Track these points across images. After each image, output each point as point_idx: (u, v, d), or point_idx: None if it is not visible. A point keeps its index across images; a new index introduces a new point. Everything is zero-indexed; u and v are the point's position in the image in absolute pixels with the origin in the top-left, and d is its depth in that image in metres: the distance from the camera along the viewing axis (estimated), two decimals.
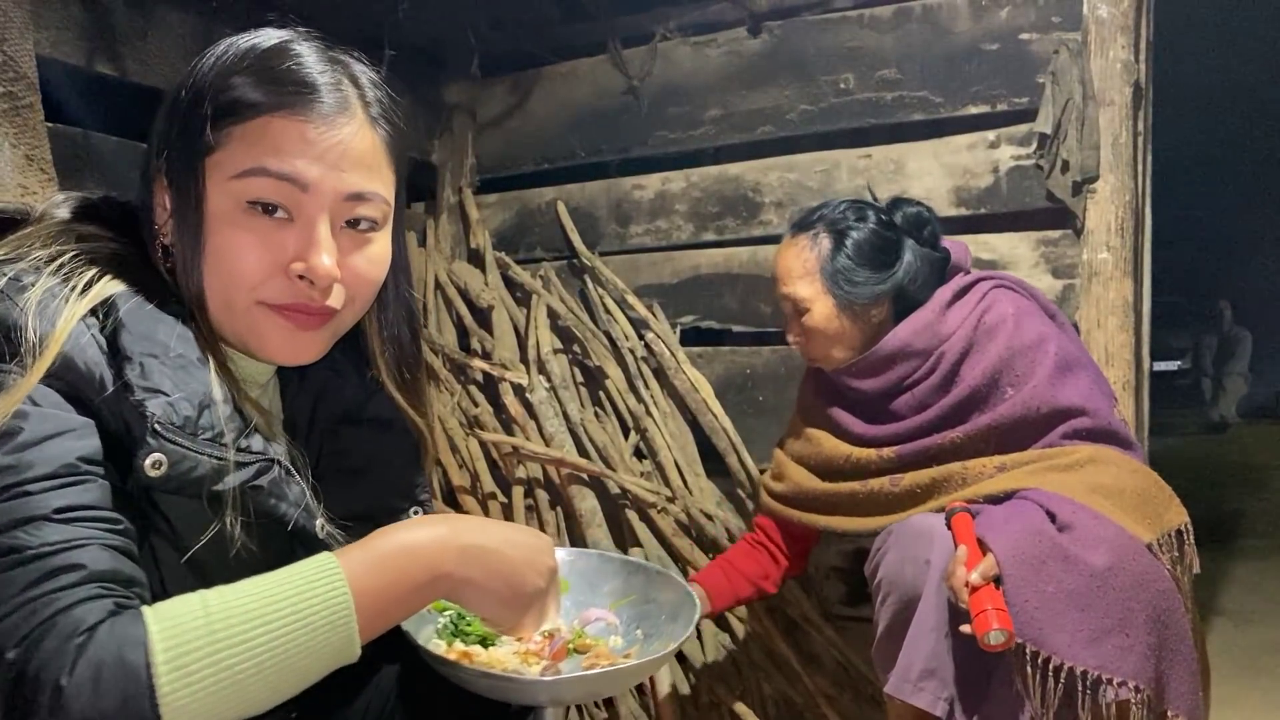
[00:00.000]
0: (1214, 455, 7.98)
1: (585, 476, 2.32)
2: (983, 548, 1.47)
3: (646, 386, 2.51)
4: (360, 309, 1.00)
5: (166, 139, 0.93)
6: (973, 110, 2.27)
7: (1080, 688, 1.38)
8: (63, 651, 0.71)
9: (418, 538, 0.89)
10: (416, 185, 2.98)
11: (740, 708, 2.12)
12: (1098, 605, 1.41)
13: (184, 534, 0.87)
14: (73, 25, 1.90)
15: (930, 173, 2.31)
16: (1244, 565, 4.24)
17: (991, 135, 2.24)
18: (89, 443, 0.80)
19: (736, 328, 2.58)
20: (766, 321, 2.53)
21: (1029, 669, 1.39)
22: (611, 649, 1.12)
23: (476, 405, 2.48)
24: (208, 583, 0.81)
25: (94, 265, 0.87)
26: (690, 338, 2.65)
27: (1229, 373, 10.62)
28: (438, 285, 2.74)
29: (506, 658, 1.07)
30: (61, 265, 0.85)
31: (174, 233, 0.92)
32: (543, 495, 2.35)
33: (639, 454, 2.48)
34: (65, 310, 0.82)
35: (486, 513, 2.31)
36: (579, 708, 2.15)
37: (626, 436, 2.48)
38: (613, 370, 2.52)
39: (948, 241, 1.81)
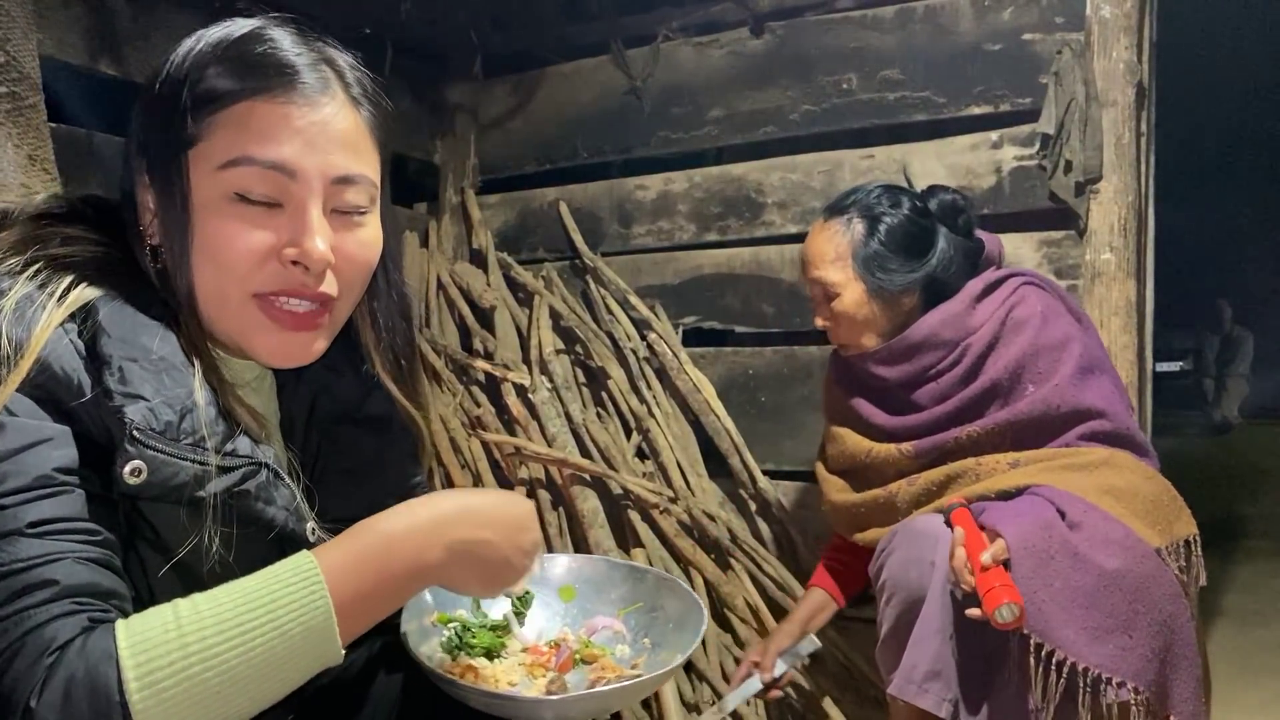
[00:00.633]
0: (1216, 456, 7.97)
1: (587, 477, 2.32)
2: (991, 535, 1.47)
3: (649, 387, 2.51)
4: (354, 299, 0.98)
5: (145, 137, 0.91)
6: (975, 111, 2.27)
7: (1082, 686, 1.38)
8: (33, 671, 0.70)
9: (398, 530, 0.86)
10: (419, 186, 2.98)
11: (742, 708, 2.12)
12: (1103, 605, 1.41)
13: (170, 540, 0.85)
14: (76, 26, 1.90)
15: (933, 173, 2.30)
16: (1246, 566, 4.23)
17: (994, 136, 2.24)
18: (65, 452, 0.79)
19: (739, 328, 2.58)
20: (769, 322, 2.53)
21: (1032, 662, 1.39)
22: (618, 659, 1.11)
23: (479, 406, 2.48)
24: (195, 589, 0.80)
25: (73, 270, 0.85)
26: (692, 338, 2.65)
27: (1231, 373, 10.60)
28: (440, 286, 2.74)
29: (512, 670, 1.07)
30: (40, 270, 0.84)
31: (160, 231, 0.90)
32: (545, 496, 2.35)
33: (641, 455, 2.47)
34: (43, 317, 0.80)
35: None
36: None
37: (629, 437, 2.47)
38: (615, 371, 2.52)
39: (981, 234, 1.81)
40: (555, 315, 2.61)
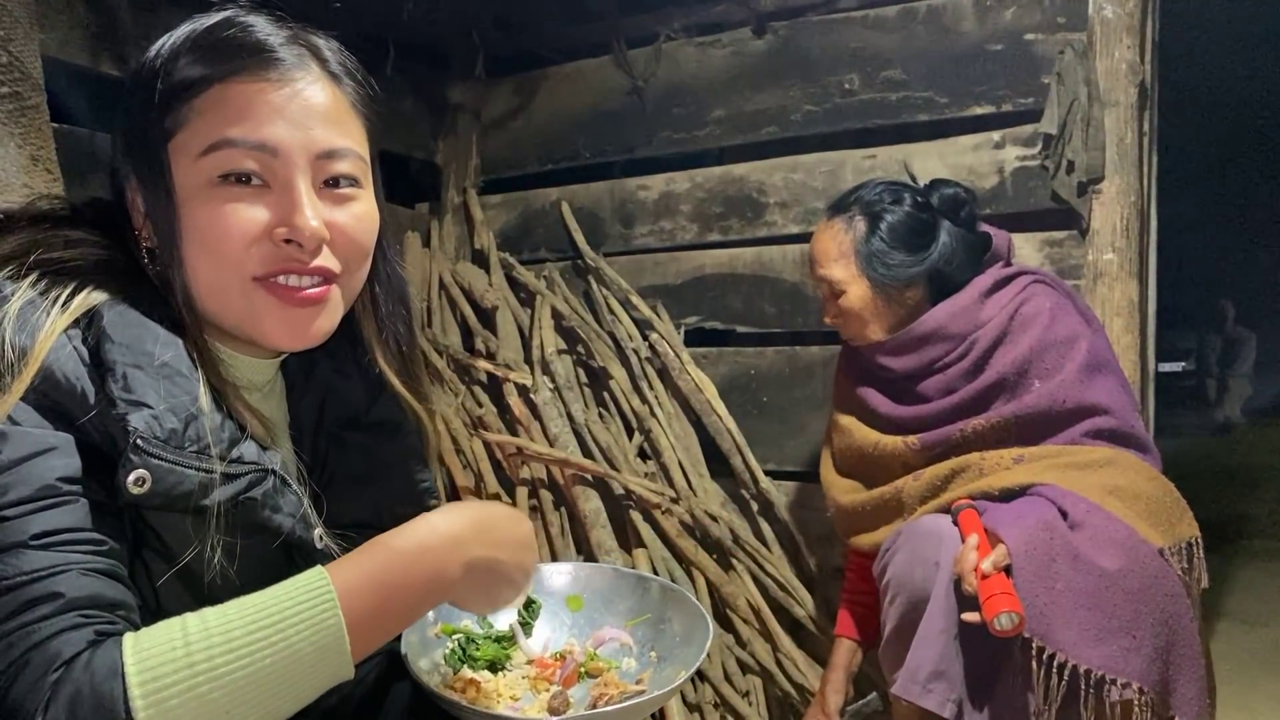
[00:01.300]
0: (1218, 456, 7.95)
1: (589, 477, 2.32)
2: (993, 539, 1.47)
3: (650, 387, 2.51)
4: (356, 276, 0.97)
5: (127, 137, 0.91)
6: (978, 111, 2.27)
7: (1084, 687, 1.38)
8: (39, 687, 0.69)
9: (411, 548, 0.85)
10: (421, 186, 2.98)
11: (744, 708, 2.12)
12: (1105, 605, 1.41)
13: (176, 548, 0.84)
14: (78, 26, 1.90)
15: (935, 173, 2.28)
16: (1248, 566, 4.23)
17: (996, 136, 2.24)
18: (69, 461, 0.78)
19: (741, 328, 2.57)
20: (771, 322, 2.53)
21: (1034, 664, 1.39)
22: (624, 673, 1.10)
23: (481, 406, 2.48)
24: (202, 597, 0.79)
25: (76, 275, 0.84)
26: (694, 338, 2.65)
27: (1233, 374, 10.59)
28: (442, 286, 2.74)
29: (516, 683, 1.06)
30: (42, 275, 0.82)
31: (152, 229, 0.89)
32: (547, 496, 2.35)
33: (643, 455, 2.47)
34: (46, 323, 0.79)
35: None
36: None
37: (630, 437, 2.47)
38: (617, 371, 2.52)
39: (991, 229, 1.81)
40: (557, 315, 2.61)
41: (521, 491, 2.34)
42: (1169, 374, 11.03)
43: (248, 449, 0.87)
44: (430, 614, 1.10)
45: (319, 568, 0.81)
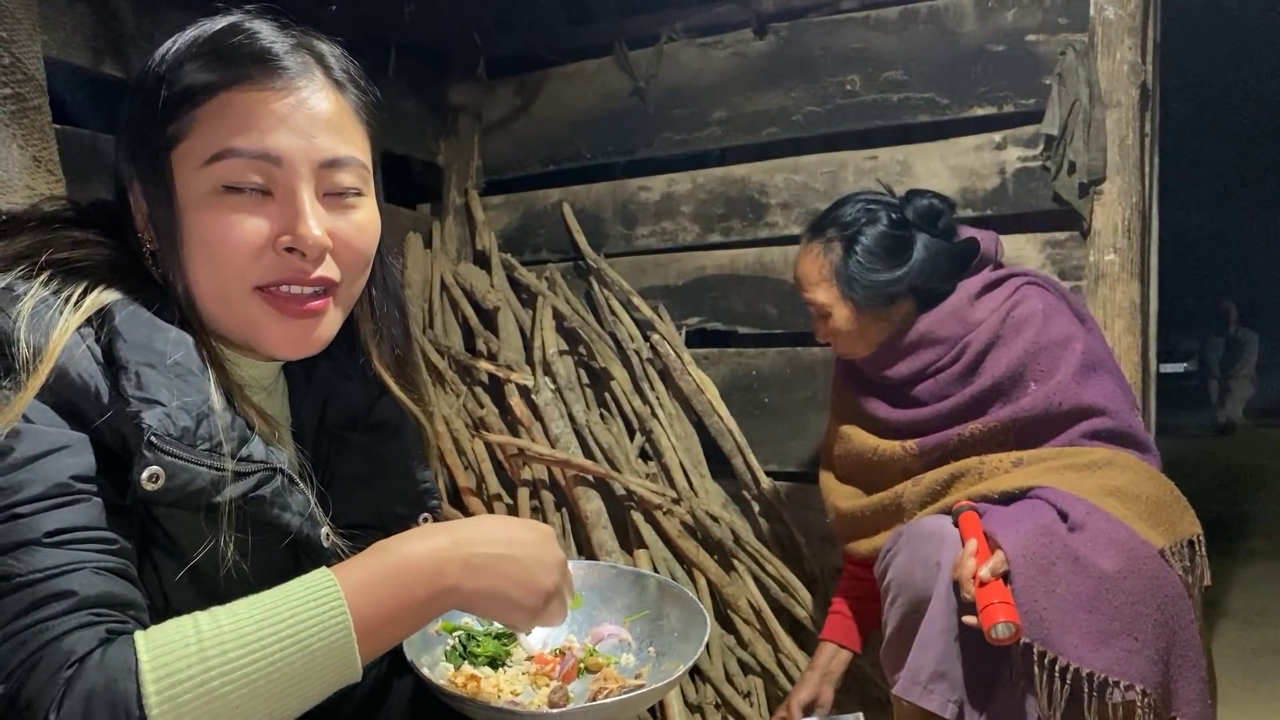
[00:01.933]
0: (1220, 457, 7.95)
1: (591, 478, 2.32)
2: (992, 544, 1.47)
3: (652, 388, 2.51)
4: (357, 284, 0.97)
5: (130, 141, 0.91)
6: (979, 112, 2.27)
7: (1087, 689, 1.38)
8: (52, 684, 0.69)
9: (418, 551, 0.85)
10: (422, 187, 2.99)
11: (746, 709, 2.12)
12: (1106, 608, 1.41)
13: (185, 547, 0.84)
14: (80, 27, 1.90)
15: (937, 174, 2.30)
16: (1250, 567, 4.22)
17: (998, 137, 2.24)
18: (83, 459, 0.78)
19: (742, 329, 2.57)
20: (772, 323, 2.53)
21: (1036, 669, 1.39)
22: (623, 668, 1.10)
23: (482, 407, 2.48)
24: (211, 595, 0.79)
25: (87, 274, 0.84)
26: (696, 339, 2.65)
27: (1235, 375, 10.59)
28: (443, 287, 2.74)
29: (516, 679, 1.06)
30: (54, 275, 0.83)
31: (154, 234, 0.89)
32: (548, 497, 2.35)
33: (644, 455, 2.47)
34: (59, 322, 0.79)
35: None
36: None
37: (632, 438, 2.47)
38: (618, 372, 2.52)
39: (977, 231, 1.81)
40: (559, 316, 2.61)
41: (523, 492, 2.34)
42: (1171, 375, 11.03)
43: (256, 448, 0.87)
44: None
45: (325, 569, 0.82)
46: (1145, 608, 1.42)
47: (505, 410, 2.47)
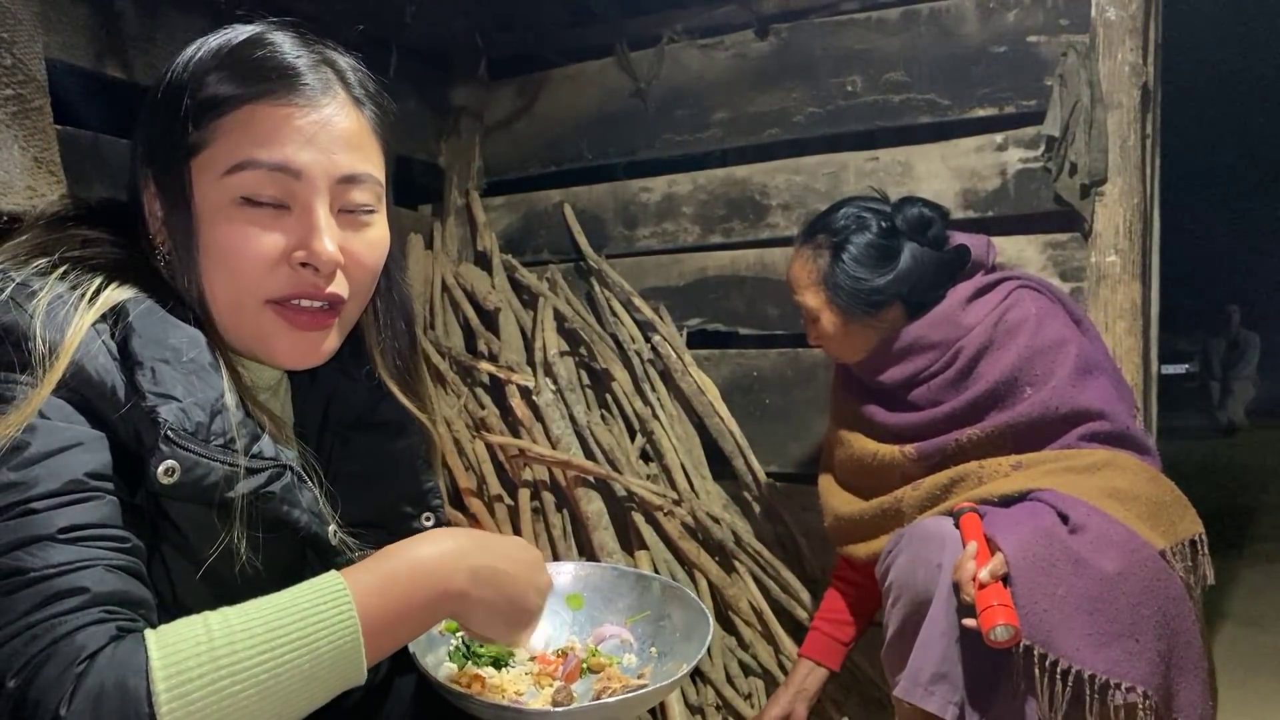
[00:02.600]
0: (1221, 458, 7.95)
1: (592, 479, 2.32)
2: (992, 547, 1.46)
3: (653, 389, 2.51)
4: (363, 299, 0.98)
5: (149, 146, 0.91)
6: (980, 113, 2.27)
7: (1088, 692, 1.38)
8: (62, 680, 0.69)
9: (427, 555, 0.87)
10: (423, 188, 2.99)
11: (747, 710, 2.12)
12: (1107, 609, 1.40)
13: (195, 542, 0.85)
14: (82, 28, 1.90)
15: (938, 175, 2.30)
16: (1252, 569, 4.22)
17: (999, 138, 2.24)
18: (98, 457, 0.79)
19: (743, 330, 2.57)
20: (773, 324, 2.53)
21: (1037, 671, 1.39)
22: (625, 669, 1.11)
23: (483, 408, 2.48)
24: (220, 592, 0.80)
25: (101, 271, 0.85)
26: (697, 340, 2.65)
27: (1237, 376, 10.59)
28: (444, 288, 2.74)
29: (519, 679, 1.07)
30: (68, 271, 0.84)
31: (168, 240, 0.90)
32: (549, 498, 2.35)
33: (645, 457, 2.47)
34: (75, 318, 0.80)
35: (493, 515, 2.30)
36: None
37: (633, 439, 2.47)
38: (619, 373, 2.52)
39: (968, 237, 1.81)
40: (560, 317, 2.61)
41: (524, 493, 2.34)
42: (1172, 376, 11.03)
43: (265, 445, 0.88)
44: None
45: (334, 572, 0.82)
46: (1146, 609, 1.42)
47: (506, 411, 2.47)
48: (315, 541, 0.93)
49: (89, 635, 0.71)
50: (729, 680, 2.20)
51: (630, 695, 1.00)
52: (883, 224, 1.76)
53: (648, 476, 2.39)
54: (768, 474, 2.43)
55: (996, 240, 2.20)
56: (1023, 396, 1.66)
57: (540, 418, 2.42)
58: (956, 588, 1.46)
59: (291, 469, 0.90)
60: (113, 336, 0.82)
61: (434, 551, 0.87)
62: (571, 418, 2.43)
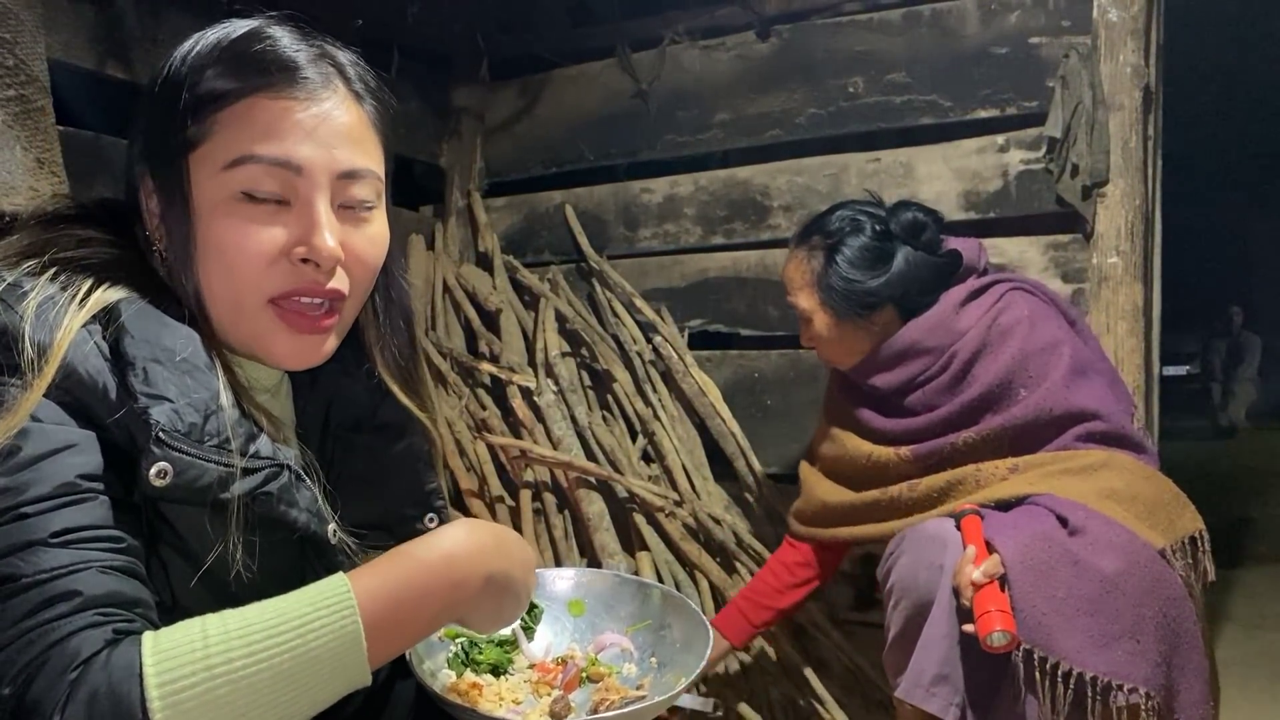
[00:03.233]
0: (1223, 460, 7.94)
1: (593, 480, 2.32)
2: (991, 550, 1.46)
3: (654, 390, 2.51)
4: (363, 296, 0.98)
5: (146, 142, 0.91)
6: (982, 114, 2.27)
7: (1090, 693, 1.38)
8: (57, 686, 0.68)
9: (437, 558, 0.85)
10: (425, 188, 2.99)
11: (747, 712, 2.12)
12: (1108, 610, 1.40)
13: (192, 543, 0.84)
14: (84, 29, 1.90)
15: (939, 176, 2.30)
16: (1253, 571, 4.22)
17: (1001, 139, 2.24)
18: (90, 458, 0.78)
19: (744, 331, 2.57)
20: (774, 325, 2.52)
21: (1038, 674, 1.39)
22: (625, 678, 1.10)
23: (484, 408, 2.48)
24: (219, 593, 0.79)
25: (92, 271, 0.84)
26: (698, 341, 2.65)
27: (1238, 378, 10.57)
28: (446, 288, 2.74)
29: (518, 687, 1.06)
30: (59, 272, 0.83)
31: (165, 236, 0.89)
32: (550, 499, 2.35)
33: (646, 457, 2.47)
34: (65, 320, 0.79)
35: (495, 516, 2.31)
36: None
37: (634, 440, 2.47)
38: (620, 373, 2.52)
39: (959, 241, 1.81)
40: (561, 318, 2.61)
41: (525, 494, 2.34)
42: (1174, 377, 11.01)
43: (263, 444, 0.87)
44: None
45: (341, 574, 0.81)
46: (1147, 610, 1.42)
47: (507, 412, 2.47)
48: (314, 541, 0.92)
49: (83, 640, 0.71)
50: (729, 681, 2.20)
51: (628, 710, 0.99)
52: (877, 227, 1.76)
53: (649, 477, 2.39)
54: (769, 475, 2.43)
55: (998, 242, 2.22)
56: (1017, 399, 1.65)
57: (541, 419, 2.42)
58: (956, 591, 1.46)
59: (289, 468, 0.89)
60: (104, 337, 0.81)
61: (446, 553, 0.85)
62: (573, 419, 2.43)
